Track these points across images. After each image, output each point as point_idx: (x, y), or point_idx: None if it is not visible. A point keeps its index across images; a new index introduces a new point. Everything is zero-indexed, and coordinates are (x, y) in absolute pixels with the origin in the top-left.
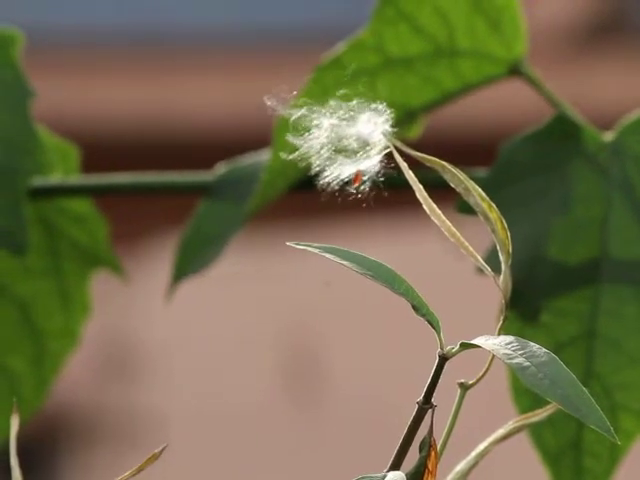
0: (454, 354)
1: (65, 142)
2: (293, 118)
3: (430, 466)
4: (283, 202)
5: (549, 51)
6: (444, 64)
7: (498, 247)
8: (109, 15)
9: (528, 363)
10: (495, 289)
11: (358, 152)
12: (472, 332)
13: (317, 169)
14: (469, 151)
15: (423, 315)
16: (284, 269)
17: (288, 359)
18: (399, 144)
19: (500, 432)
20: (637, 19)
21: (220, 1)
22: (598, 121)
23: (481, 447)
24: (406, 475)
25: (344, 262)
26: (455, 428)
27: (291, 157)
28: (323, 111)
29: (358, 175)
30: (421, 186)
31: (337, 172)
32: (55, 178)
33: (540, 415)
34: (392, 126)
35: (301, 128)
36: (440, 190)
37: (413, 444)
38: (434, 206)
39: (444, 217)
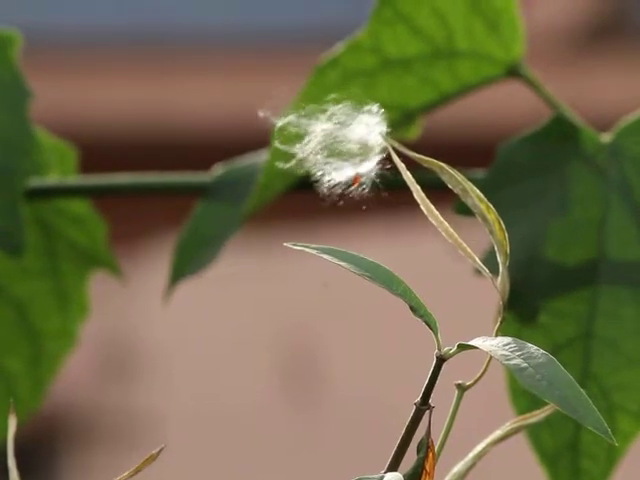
0: (451, 355)
1: (63, 142)
2: (288, 126)
3: (428, 467)
4: (281, 203)
5: (548, 52)
6: (442, 65)
7: (496, 248)
8: (108, 15)
9: (526, 364)
10: (493, 290)
11: (356, 155)
12: (470, 333)
13: (316, 174)
14: (467, 152)
15: (421, 316)
16: (282, 270)
17: (286, 360)
18: (397, 145)
19: (498, 433)
20: (636, 21)
21: (220, 1)
22: (597, 122)
23: (479, 448)
24: (404, 476)
25: (341, 263)
26: (453, 429)
27: (288, 165)
28: (317, 116)
29: (357, 178)
30: (419, 187)
31: (336, 176)
32: (53, 179)
33: (538, 416)
34: (388, 127)
35: (296, 135)
36: (438, 191)
37: (411, 445)
38: (432, 207)
39: (442, 218)
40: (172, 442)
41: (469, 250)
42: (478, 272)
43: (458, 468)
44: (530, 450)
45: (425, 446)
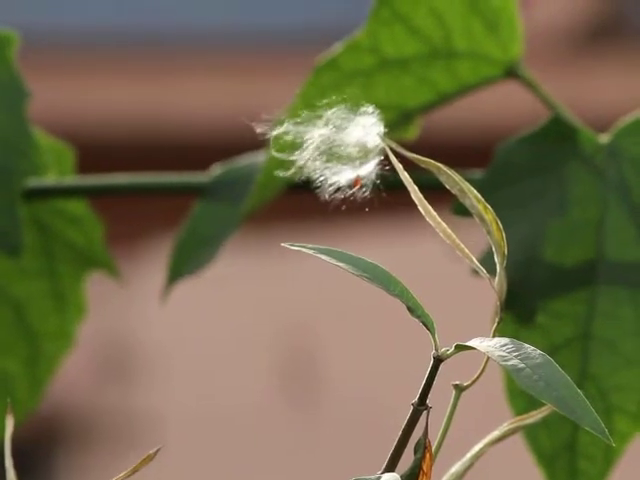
0: (449, 356)
1: (60, 143)
2: (284, 134)
3: (425, 468)
4: (280, 203)
5: (547, 53)
6: (440, 65)
7: (493, 249)
8: (106, 15)
9: (523, 365)
10: (491, 291)
11: (354, 158)
12: (467, 334)
13: (316, 180)
14: (465, 153)
15: (418, 317)
16: (281, 270)
17: (284, 360)
18: (394, 146)
19: (495, 434)
20: (635, 21)
21: (219, 2)
22: (597, 123)
23: (476, 449)
24: (401, 477)
25: (339, 263)
26: (450, 430)
27: (289, 174)
28: (314, 122)
29: (357, 180)
30: (416, 188)
31: (336, 180)
32: (50, 179)
33: (535, 417)
34: (385, 128)
35: (293, 143)
36: (436, 192)
37: (408, 446)
38: (429, 208)
39: (439, 219)
40: (171, 442)
41: (467, 251)
42: (476, 273)
43: (455, 469)
44: (527, 451)
45: (422, 446)
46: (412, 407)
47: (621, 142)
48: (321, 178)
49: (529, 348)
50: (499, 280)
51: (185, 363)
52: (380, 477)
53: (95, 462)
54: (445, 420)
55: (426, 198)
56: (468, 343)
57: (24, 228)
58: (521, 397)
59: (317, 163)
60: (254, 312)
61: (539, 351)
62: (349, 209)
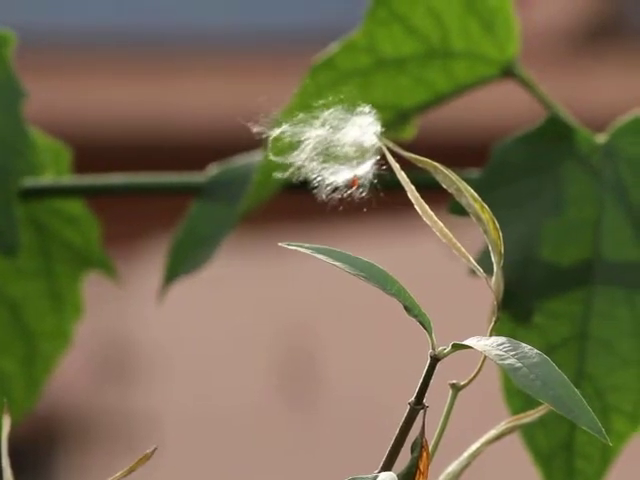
0: (446, 355)
1: (57, 143)
2: (281, 136)
3: (422, 467)
4: (277, 203)
5: (547, 53)
6: (437, 65)
7: (490, 248)
8: (106, 16)
9: (520, 364)
10: (487, 290)
11: (352, 158)
12: (464, 333)
13: (313, 181)
14: (461, 152)
15: (415, 316)
16: (279, 271)
17: (283, 361)
18: (391, 145)
19: (492, 433)
20: (633, 22)
21: (219, 2)
22: (595, 123)
23: (473, 448)
24: (398, 476)
25: (336, 263)
26: (447, 429)
27: (286, 175)
28: (310, 123)
29: (355, 180)
30: (413, 187)
31: (333, 180)
32: (47, 179)
33: (532, 416)
34: (382, 127)
35: (290, 145)
36: (432, 191)
37: (405, 445)
38: (426, 207)
39: (436, 218)
40: (169, 443)
41: (463, 250)
42: (472, 272)
43: (452, 468)
44: (524, 450)
45: (419, 446)
46: (409, 406)
47: (618, 142)
48: (318, 178)
49: (526, 347)
50: (496, 279)
51: (183, 363)
52: (377, 476)
53: (93, 462)
54: (442, 419)
55: (423, 198)
56: (465, 342)
57: (21, 228)
58: (518, 396)
59: (314, 163)
60: (252, 312)
61: (536, 350)
62: (346, 209)
